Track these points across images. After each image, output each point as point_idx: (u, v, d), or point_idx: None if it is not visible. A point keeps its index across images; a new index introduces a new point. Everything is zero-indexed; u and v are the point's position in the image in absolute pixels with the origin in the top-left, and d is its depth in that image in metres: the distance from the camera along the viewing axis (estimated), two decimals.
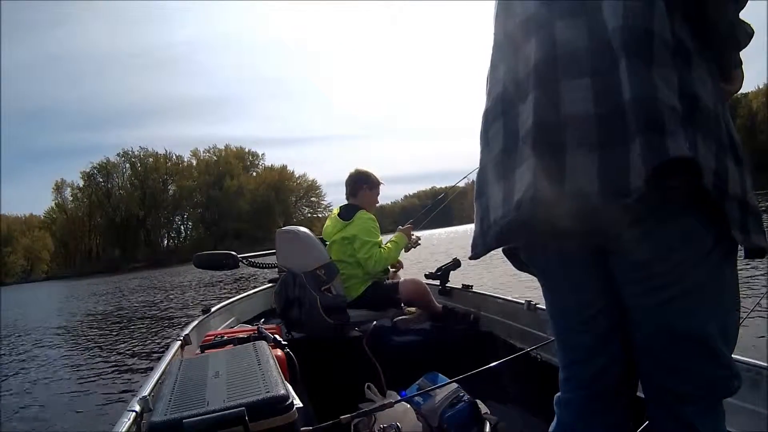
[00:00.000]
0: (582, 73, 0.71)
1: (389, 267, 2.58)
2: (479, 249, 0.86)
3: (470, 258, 0.91)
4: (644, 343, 0.80)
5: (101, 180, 66.17)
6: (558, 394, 0.94)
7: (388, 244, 2.47)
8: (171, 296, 12.87)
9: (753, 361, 1.12)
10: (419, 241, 2.66)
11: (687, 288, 0.74)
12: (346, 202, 2.61)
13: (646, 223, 0.72)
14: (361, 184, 2.56)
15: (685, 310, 0.74)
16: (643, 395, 0.87)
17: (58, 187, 66.06)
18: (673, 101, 0.67)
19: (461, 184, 3.17)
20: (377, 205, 2.64)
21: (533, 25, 0.78)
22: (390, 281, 2.49)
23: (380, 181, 2.61)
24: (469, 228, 0.92)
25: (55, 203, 66.08)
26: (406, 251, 2.61)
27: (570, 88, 0.71)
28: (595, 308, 0.84)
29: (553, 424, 0.93)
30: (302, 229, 2.49)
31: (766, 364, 1.11)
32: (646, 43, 0.68)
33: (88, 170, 65.77)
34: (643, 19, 0.69)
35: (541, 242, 0.85)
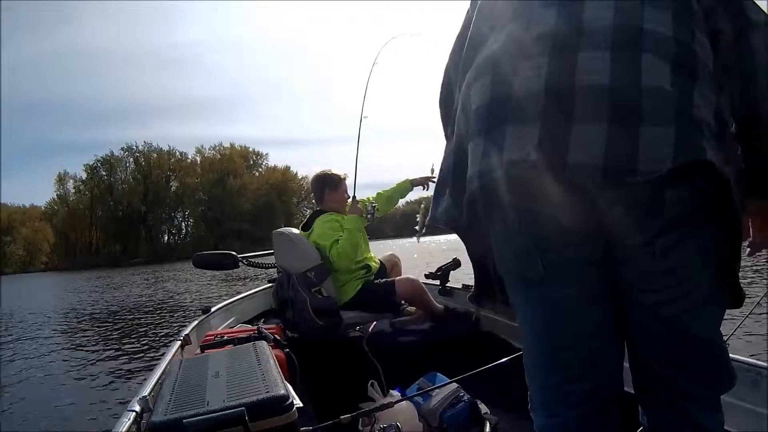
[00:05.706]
0: (602, 47, 0.71)
1: (384, 265, 2.57)
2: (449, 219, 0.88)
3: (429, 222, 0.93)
4: (658, 347, 0.80)
5: (104, 174, 65.53)
6: (540, 420, 0.88)
7: (344, 232, 2.35)
8: (171, 293, 12.86)
9: (753, 361, 1.12)
10: (376, 205, 2.47)
11: (704, 294, 0.76)
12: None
13: (671, 232, 0.72)
14: (324, 188, 2.51)
15: (702, 315, 0.77)
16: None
17: (61, 179, 65.15)
18: (710, 119, 0.69)
19: None
20: (348, 199, 2.51)
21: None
22: (384, 280, 2.43)
23: (341, 175, 2.53)
24: None
25: (57, 195, 65.39)
26: (371, 221, 2.45)
27: (588, 59, 0.71)
28: (598, 318, 0.82)
29: None
30: (294, 230, 2.47)
31: (766, 364, 1.11)
32: (691, 59, 0.70)
33: (91, 163, 65.22)
34: (686, 38, 0.71)
35: (544, 247, 0.79)
